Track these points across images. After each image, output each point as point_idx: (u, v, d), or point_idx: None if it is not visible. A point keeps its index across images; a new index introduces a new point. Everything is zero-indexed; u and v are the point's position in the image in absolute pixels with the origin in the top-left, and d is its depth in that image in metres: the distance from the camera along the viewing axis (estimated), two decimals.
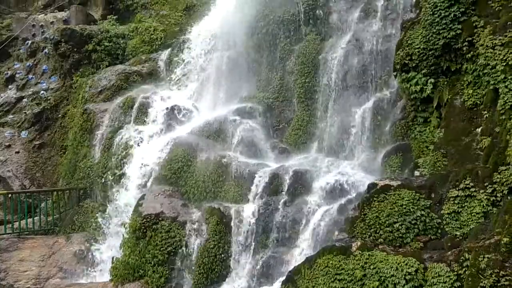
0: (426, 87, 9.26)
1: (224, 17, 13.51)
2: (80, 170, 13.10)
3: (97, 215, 11.84)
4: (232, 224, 9.86)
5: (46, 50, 16.21)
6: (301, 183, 9.80)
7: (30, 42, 16.71)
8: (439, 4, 9.00)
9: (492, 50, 8.07)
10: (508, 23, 8.05)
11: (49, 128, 15.29)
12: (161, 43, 15.48)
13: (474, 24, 8.67)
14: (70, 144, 13.89)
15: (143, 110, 12.94)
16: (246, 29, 13.06)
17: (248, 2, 13.14)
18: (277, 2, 12.91)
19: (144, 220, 10.26)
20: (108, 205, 11.84)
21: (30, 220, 12.43)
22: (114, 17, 16.95)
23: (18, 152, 14.92)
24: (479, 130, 8.34)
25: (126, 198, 11.55)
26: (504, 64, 7.80)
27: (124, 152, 12.29)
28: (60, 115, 15.28)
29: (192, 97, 13.39)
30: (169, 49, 14.77)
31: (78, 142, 13.56)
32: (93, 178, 12.73)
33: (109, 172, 12.24)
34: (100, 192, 12.46)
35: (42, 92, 15.57)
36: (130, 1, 17.82)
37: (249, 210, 9.83)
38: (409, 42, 9.45)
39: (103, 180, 12.31)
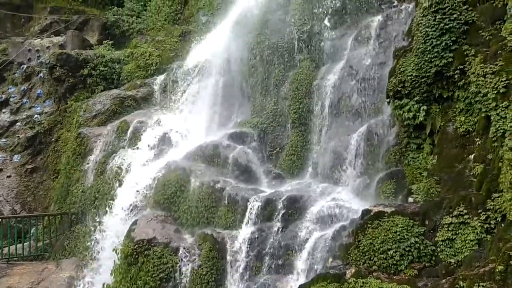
0: (418, 114, 9.34)
1: (219, 43, 13.65)
2: (72, 195, 12.99)
3: (88, 240, 11.69)
4: (225, 250, 9.74)
5: (41, 74, 16.28)
6: (295, 209, 9.74)
7: (25, 66, 16.80)
8: (430, 33, 9.15)
9: (483, 78, 8.18)
10: (499, 52, 8.19)
11: (42, 152, 15.24)
12: (156, 68, 15.59)
13: (465, 53, 8.82)
14: (63, 168, 13.82)
15: (137, 134, 12.95)
16: (241, 55, 13.20)
17: (243, 29, 13.31)
18: (272, 29, 13.10)
19: (136, 245, 10.13)
20: (100, 230, 11.69)
21: (19, 245, 12.25)
22: (110, 42, 17.12)
23: (9, 176, 14.81)
24: (471, 157, 8.38)
25: (118, 223, 11.42)
26: (495, 92, 7.89)
27: (117, 177, 12.21)
28: (53, 139, 15.25)
29: (186, 121, 13.42)
30: (164, 74, 14.87)
31: (71, 166, 13.49)
32: (85, 203, 12.62)
33: (102, 197, 12.13)
34: (92, 217, 12.33)
35: (36, 116, 15.58)
36: (126, 27, 18.07)
37: (242, 236, 9.74)
38: (401, 69, 9.57)
39: (95, 205, 12.20)
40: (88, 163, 13.09)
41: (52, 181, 14.59)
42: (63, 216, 12.86)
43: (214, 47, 13.76)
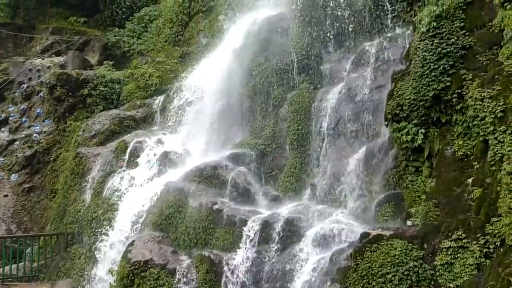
0: (417, 137, 9.36)
1: (219, 64, 13.75)
2: (69, 215, 12.91)
3: (84, 261, 11.57)
4: (222, 272, 9.64)
5: (41, 94, 16.36)
6: (293, 231, 9.67)
7: (25, 85, 16.90)
8: (428, 57, 9.24)
9: (481, 102, 8.23)
10: (496, 76, 8.26)
11: (40, 172, 15.21)
12: (156, 89, 15.69)
13: (463, 77, 8.89)
14: (61, 188, 13.76)
15: (136, 154, 12.94)
16: (241, 76, 13.28)
17: (243, 50, 13.43)
18: (271, 51, 13.21)
19: (133, 267, 10.02)
20: (96, 251, 11.58)
21: (14, 266, 12.11)
22: (111, 62, 17.26)
23: (6, 196, 14.74)
24: (470, 180, 8.37)
25: (115, 244, 11.32)
26: (493, 116, 7.94)
27: (115, 197, 12.16)
28: (52, 159, 15.24)
29: (185, 142, 13.42)
30: (164, 95, 14.95)
31: (68, 186, 13.44)
32: (82, 223, 12.53)
33: (99, 217, 12.06)
34: (88, 237, 12.23)
35: (35, 135, 15.59)
36: (126, 48, 18.23)
37: (240, 259, 9.64)
38: (399, 92, 9.63)
39: (92, 225, 12.11)
40: (86, 183, 13.03)
41: (49, 200, 14.53)
42: (59, 236, 12.75)
43: (214, 69, 13.86)
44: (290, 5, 13.51)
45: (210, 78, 13.83)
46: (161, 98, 14.98)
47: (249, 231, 9.89)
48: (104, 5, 20.01)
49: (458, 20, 9.30)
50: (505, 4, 8.30)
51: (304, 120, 12.01)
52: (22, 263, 12.26)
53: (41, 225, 14.19)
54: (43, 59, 17.68)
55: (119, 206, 11.94)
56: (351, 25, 12.44)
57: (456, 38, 9.17)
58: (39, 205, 14.70)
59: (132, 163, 12.83)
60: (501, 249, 7.10)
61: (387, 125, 10.00)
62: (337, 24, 12.61)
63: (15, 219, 14.36)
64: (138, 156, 12.88)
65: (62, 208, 13.24)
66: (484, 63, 8.77)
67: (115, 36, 18.63)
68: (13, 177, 15.09)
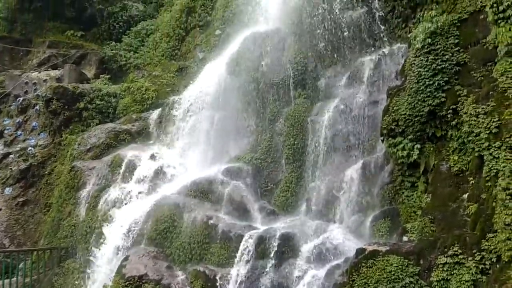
0: (412, 152, 9.39)
1: (215, 79, 13.81)
2: (63, 229, 12.80)
3: (77, 277, 11.44)
4: None
5: (37, 107, 16.32)
6: (288, 247, 9.63)
7: (21, 99, 16.86)
8: (423, 73, 9.32)
9: (475, 118, 8.28)
10: (490, 92, 8.33)
11: (34, 185, 15.09)
12: (152, 103, 15.69)
13: (457, 93, 8.95)
14: (55, 201, 13.67)
15: (131, 168, 12.90)
16: (237, 91, 13.33)
17: (240, 65, 13.50)
18: (268, 66, 13.28)
19: (127, 282, 9.93)
20: (90, 266, 11.47)
21: (7, 281, 11.94)
22: (107, 76, 17.28)
23: (0, 210, 14.61)
24: (465, 196, 8.39)
25: (109, 258, 11.22)
26: (487, 132, 7.98)
27: (110, 211, 12.08)
28: (46, 172, 15.14)
29: (181, 156, 13.41)
30: (160, 109, 14.95)
31: (63, 199, 13.35)
32: (76, 237, 12.43)
33: (93, 231, 11.97)
34: (83, 252, 12.11)
35: (30, 148, 15.51)
36: (123, 62, 18.27)
37: (235, 274, 9.58)
38: (395, 108, 9.68)
39: (86, 239, 12.01)
40: (80, 197, 12.95)
41: (43, 214, 14.40)
42: (52, 251, 12.62)
43: (210, 83, 13.91)
44: (286, 20, 13.61)
45: (206, 92, 13.87)
46: (157, 112, 14.98)
47: (244, 246, 9.84)
48: (101, 19, 20.12)
49: (452, 37, 9.40)
50: (499, 21, 8.39)
51: (300, 135, 12.03)
52: (15, 278, 12.10)
53: (34, 239, 14.04)
54: (39, 72, 17.69)
55: (114, 220, 11.85)
56: (346, 41, 12.53)
57: (450, 54, 9.26)
58: (33, 219, 14.56)
59: (128, 177, 12.78)
60: (497, 265, 7.08)
61: (382, 140, 10.04)
62: (333, 40, 12.70)
63: (8, 233, 14.20)
64: (134, 170, 12.83)
65: (56, 222, 13.14)
66: (479, 79, 8.85)
67: (112, 50, 18.68)
68: (7, 190, 14.97)
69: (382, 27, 12.35)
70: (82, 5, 19.96)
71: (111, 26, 20.02)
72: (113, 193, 12.43)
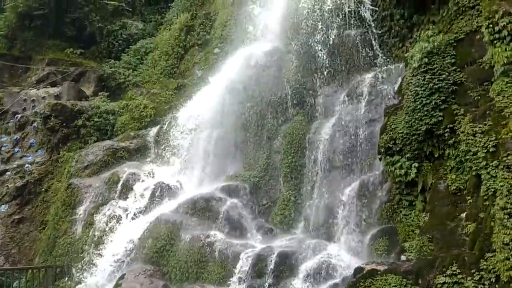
0: (410, 171, 9.39)
1: (214, 97, 13.86)
2: (59, 247, 12.69)
3: None
4: None
5: (35, 124, 16.32)
6: (286, 266, 9.56)
7: (19, 116, 16.86)
8: (420, 92, 9.38)
9: (473, 137, 8.31)
10: (487, 112, 8.37)
11: (31, 203, 14.98)
12: (150, 120, 15.70)
13: (454, 112, 9.00)
14: (51, 219, 13.57)
15: (128, 186, 12.85)
16: (235, 109, 13.36)
17: (238, 83, 13.56)
18: (266, 84, 13.35)
19: None
20: (85, 285, 11.34)
21: None
22: (106, 94, 17.32)
23: None
24: (463, 215, 8.37)
25: (105, 277, 11.11)
26: (485, 151, 7.99)
27: (106, 229, 12.01)
28: (43, 189, 15.05)
29: (179, 174, 13.37)
30: (158, 127, 14.96)
31: (59, 217, 13.26)
32: (72, 255, 12.31)
33: (89, 249, 11.86)
34: (78, 270, 11.98)
35: (27, 165, 15.46)
36: (122, 79, 18.33)
37: None
38: (392, 127, 9.72)
39: (82, 258, 11.90)
40: (77, 215, 12.87)
41: (38, 232, 14.27)
42: (47, 270, 12.48)
43: (209, 101, 13.96)
44: (284, 39, 13.74)
45: (205, 110, 13.91)
46: (155, 129, 14.98)
47: (241, 265, 9.76)
48: (101, 37, 20.25)
49: (449, 57, 9.49)
50: (495, 41, 8.48)
51: (298, 153, 12.04)
52: None
53: (29, 257, 13.88)
54: (38, 89, 17.72)
55: (111, 238, 11.76)
56: (344, 60, 12.65)
57: (447, 74, 9.34)
58: (28, 237, 14.42)
59: (125, 194, 12.72)
60: (496, 286, 7.03)
61: (380, 159, 10.05)
62: (331, 58, 12.81)
63: (3, 251, 14.05)
64: (131, 188, 12.79)
65: (52, 240, 13.03)
66: (475, 98, 8.90)
67: (110, 67, 18.77)
68: (3, 208, 14.86)
69: (379, 47, 12.48)
70: (82, 24, 20.11)
71: (110, 44, 20.15)
72: (110, 210, 12.36)
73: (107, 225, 12.10)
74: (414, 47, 10.24)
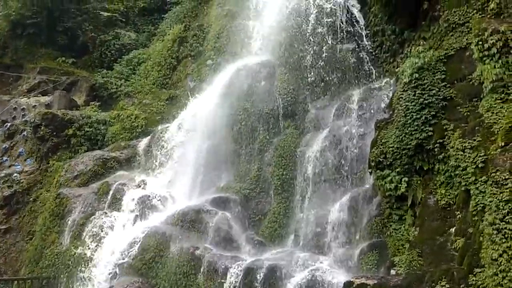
0: (400, 185, 9.43)
1: (205, 108, 13.86)
2: (46, 258, 12.53)
3: None
4: None
5: (24, 133, 16.19)
6: (275, 279, 9.50)
7: (9, 124, 16.73)
8: (411, 107, 9.46)
9: (462, 153, 8.37)
10: (476, 128, 8.45)
11: (18, 212, 14.80)
12: (141, 131, 15.67)
13: (444, 127, 9.07)
14: (39, 229, 13.42)
15: (118, 197, 12.76)
16: (226, 120, 13.37)
17: (229, 95, 13.59)
18: (258, 96, 13.39)
19: None
20: None
21: None
22: (97, 103, 17.28)
23: None
24: (453, 230, 8.40)
25: None
26: (474, 166, 8.06)
27: (94, 240, 11.88)
28: (31, 199, 14.89)
29: (169, 185, 13.30)
30: (149, 137, 14.92)
31: (47, 227, 13.11)
32: (59, 267, 12.15)
33: (77, 261, 11.72)
34: (65, 282, 11.82)
35: (15, 174, 15.30)
36: (114, 89, 18.30)
37: None
38: (383, 141, 9.77)
39: (70, 269, 11.75)
40: (65, 225, 12.73)
41: (25, 243, 14.07)
42: (33, 281, 12.31)
43: (200, 112, 13.96)
44: (277, 52, 13.82)
45: (196, 121, 13.90)
46: (146, 140, 14.93)
47: (231, 278, 9.70)
48: (93, 46, 20.25)
49: (439, 72, 9.60)
50: (484, 58, 8.60)
51: (289, 166, 12.05)
52: None
53: (15, 268, 13.68)
54: (29, 98, 17.64)
55: (99, 249, 11.64)
56: (335, 74, 12.74)
57: (437, 89, 9.43)
58: (15, 247, 14.22)
59: (114, 205, 12.63)
60: None
61: (370, 173, 10.09)
62: (322, 72, 12.90)
63: None
64: (121, 198, 12.70)
65: (39, 251, 12.86)
66: (465, 114, 8.99)
67: (103, 77, 18.75)
68: None
69: (371, 61, 12.59)
70: (75, 33, 20.11)
71: (103, 54, 20.15)
72: (99, 221, 12.24)
73: (95, 236, 11.96)
74: (405, 62, 10.34)
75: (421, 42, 10.82)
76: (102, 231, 12.03)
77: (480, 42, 8.63)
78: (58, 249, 12.47)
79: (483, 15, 9.34)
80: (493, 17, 9.04)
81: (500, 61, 8.42)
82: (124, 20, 21.70)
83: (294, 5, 13.81)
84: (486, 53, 8.56)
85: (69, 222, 12.74)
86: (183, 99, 16.15)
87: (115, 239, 11.69)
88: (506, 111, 8.10)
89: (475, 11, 9.60)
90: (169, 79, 18.11)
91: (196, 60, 17.76)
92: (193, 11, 19.43)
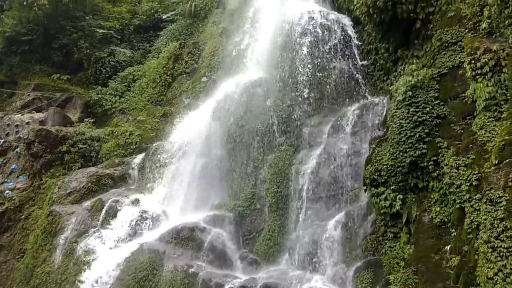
0: (395, 202, 9.43)
1: (200, 125, 13.86)
2: (37, 276, 12.34)
3: None
4: None
5: (17, 150, 16.09)
6: None
7: (2, 141, 16.62)
8: (405, 125, 9.50)
9: (456, 170, 8.40)
10: (470, 145, 8.50)
11: (9, 230, 14.60)
12: (136, 148, 15.61)
13: (438, 145, 9.12)
14: (30, 247, 13.24)
15: (112, 214, 12.64)
16: (221, 137, 13.36)
17: (224, 112, 13.61)
18: (252, 113, 13.41)
19: None
20: None
21: None
22: (92, 120, 17.23)
23: None
24: (448, 248, 8.39)
25: None
26: (468, 184, 8.08)
27: (87, 258, 11.73)
28: (23, 217, 14.71)
29: (163, 202, 13.21)
30: (143, 154, 14.86)
31: (39, 245, 12.94)
32: (50, 286, 11.96)
33: (68, 279, 11.55)
34: None
35: (7, 191, 15.14)
36: (108, 106, 18.28)
37: None
38: (377, 158, 9.79)
39: None
40: (57, 243, 12.57)
41: (16, 261, 13.86)
42: None
43: (195, 129, 13.95)
44: (271, 69, 13.89)
45: (191, 138, 13.88)
46: (140, 157, 14.87)
47: None
48: (89, 63, 20.26)
49: (432, 90, 9.68)
50: (477, 77, 8.70)
51: (284, 183, 12.01)
52: None
53: (6, 287, 13.45)
54: (22, 114, 17.56)
55: (92, 267, 11.48)
56: (330, 91, 12.81)
57: (431, 107, 9.50)
58: (6, 265, 14.00)
59: (108, 222, 12.50)
60: None
61: (365, 190, 10.07)
62: (317, 90, 12.96)
63: None
64: (114, 216, 12.58)
65: (30, 269, 12.66)
66: (459, 132, 9.05)
67: (97, 94, 18.74)
68: None
69: (365, 79, 12.68)
70: (70, 50, 20.15)
71: (98, 70, 20.16)
72: (92, 239, 12.10)
73: (88, 254, 11.81)
74: (398, 80, 10.44)
75: (414, 61, 10.94)
76: (94, 249, 11.87)
77: (473, 61, 8.74)
78: (49, 267, 12.30)
79: (475, 34, 9.47)
80: (485, 36, 9.17)
81: (492, 79, 8.52)
82: (119, 37, 21.78)
83: (289, 23, 13.93)
84: (478, 71, 8.66)
85: (61, 240, 12.58)
86: (178, 116, 16.16)
87: (107, 257, 11.53)
88: (499, 129, 8.16)
89: (467, 30, 9.74)
90: (163, 96, 18.14)
91: (191, 77, 17.83)
92: (188, 29, 19.59)
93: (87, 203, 13.33)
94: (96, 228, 12.51)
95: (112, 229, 12.40)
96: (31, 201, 14.93)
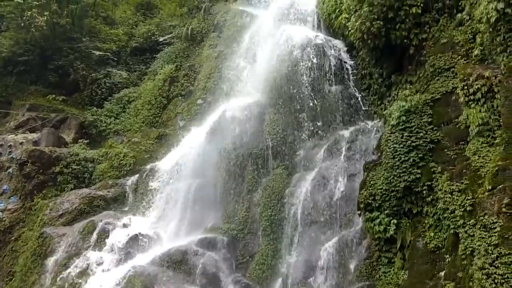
0: (389, 227, 9.38)
1: (194, 147, 13.85)
2: None
3: None
4: None
5: (10, 170, 15.97)
6: None
7: None
8: (399, 149, 9.53)
9: (450, 196, 8.39)
10: (464, 171, 8.51)
11: None
12: (130, 169, 15.54)
13: (432, 170, 9.13)
14: (19, 270, 13.02)
15: (104, 236, 12.49)
16: (215, 160, 13.33)
17: (219, 134, 13.62)
18: (247, 136, 13.43)
19: None
20: None
21: None
22: (86, 141, 17.20)
23: None
24: (442, 274, 8.31)
25: None
26: (462, 209, 8.06)
27: (77, 281, 11.53)
28: (13, 238, 14.52)
29: (156, 225, 13.09)
30: (137, 176, 14.79)
31: (28, 268, 12.73)
32: None
33: None
34: None
35: None
36: (103, 127, 18.28)
37: None
38: (372, 182, 9.77)
39: None
40: (47, 266, 12.36)
41: (5, 284, 13.60)
42: None
43: (189, 151, 13.92)
44: (266, 93, 13.97)
45: (185, 160, 13.85)
46: (134, 178, 14.80)
47: None
48: (84, 84, 20.35)
49: (426, 116, 9.74)
50: (470, 103, 8.77)
51: (278, 206, 11.95)
52: None
53: None
54: (16, 135, 17.50)
55: None
56: (324, 115, 12.87)
57: (424, 132, 9.55)
58: None
59: (99, 245, 12.34)
60: None
61: (359, 214, 10.03)
62: (311, 114, 13.02)
63: None
64: (106, 238, 12.42)
65: None
66: (452, 157, 9.07)
67: (92, 115, 18.76)
68: None
69: (359, 104, 12.76)
70: (66, 71, 20.25)
71: (93, 92, 20.23)
72: (83, 261, 11.92)
73: (78, 277, 11.61)
74: (392, 105, 10.50)
75: (408, 86, 11.04)
76: (85, 272, 11.68)
77: (466, 87, 8.83)
78: None
79: (467, 60, 9.59)
80: (477, 63, 9.29)
81: (485, 105, 8.59)
82: (116, 59, 21.94)
83: (285, 48, 14.08)
84: (471, 97, 8.74)
85: (52, 262, 12.38)
86: (173, 138, 16.15)
87: (99, 280, 11.33)
88: (492, 154, 8.19)
89: (459, 56, 9.86)
90: (159, 118, 18.17)
91: (187, 99, 17.90)
92: (185, 52, 19.77)
93: (79, 225, 13.18)
94: (88, 251, 12.33)
95: (103, 251, 12.21)
96: (22, 222, 14.76)
